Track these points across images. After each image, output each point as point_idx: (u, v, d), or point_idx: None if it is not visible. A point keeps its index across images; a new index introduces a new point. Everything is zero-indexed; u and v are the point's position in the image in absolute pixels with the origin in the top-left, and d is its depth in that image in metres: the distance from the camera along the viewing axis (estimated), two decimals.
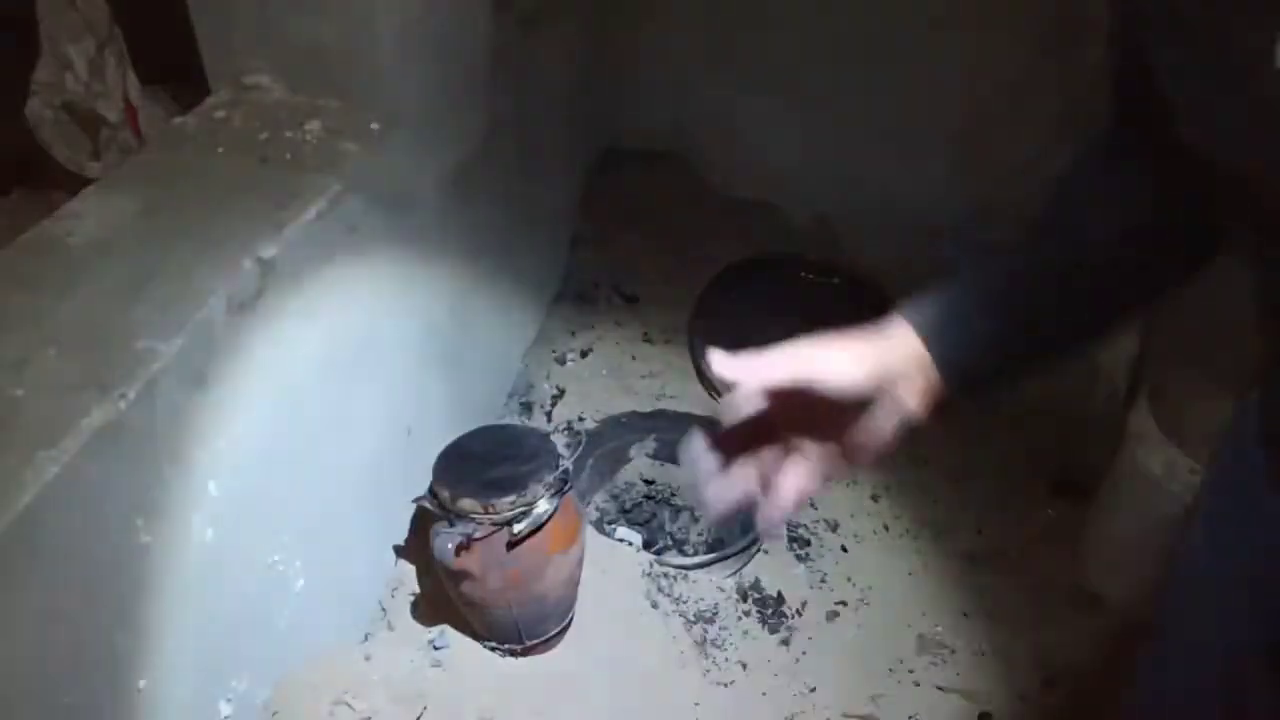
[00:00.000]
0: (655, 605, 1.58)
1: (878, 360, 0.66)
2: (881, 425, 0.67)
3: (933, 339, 0.68)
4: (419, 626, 1.49)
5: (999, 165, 2.00)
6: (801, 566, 1.73)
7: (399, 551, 1.56)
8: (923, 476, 1.91)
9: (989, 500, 1.88)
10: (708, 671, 1.52)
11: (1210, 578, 0.79)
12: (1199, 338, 1.68)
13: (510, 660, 1.46)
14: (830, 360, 0.65)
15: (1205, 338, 1.63)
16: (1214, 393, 1.62)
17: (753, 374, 0.65)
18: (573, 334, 2.16)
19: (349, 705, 1.31)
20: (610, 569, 1.60)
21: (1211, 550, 0.80)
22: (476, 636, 1.47)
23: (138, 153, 1.25)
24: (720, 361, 0.65)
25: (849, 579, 1.71)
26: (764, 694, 1.51)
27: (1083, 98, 1.17)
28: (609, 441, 1.87)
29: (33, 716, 0.85)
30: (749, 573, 1.69)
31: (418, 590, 1.53)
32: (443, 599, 1.47)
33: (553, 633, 1.47)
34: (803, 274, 2.25)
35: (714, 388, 2.04)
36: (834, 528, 1.80)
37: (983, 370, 0.70)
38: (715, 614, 1.60)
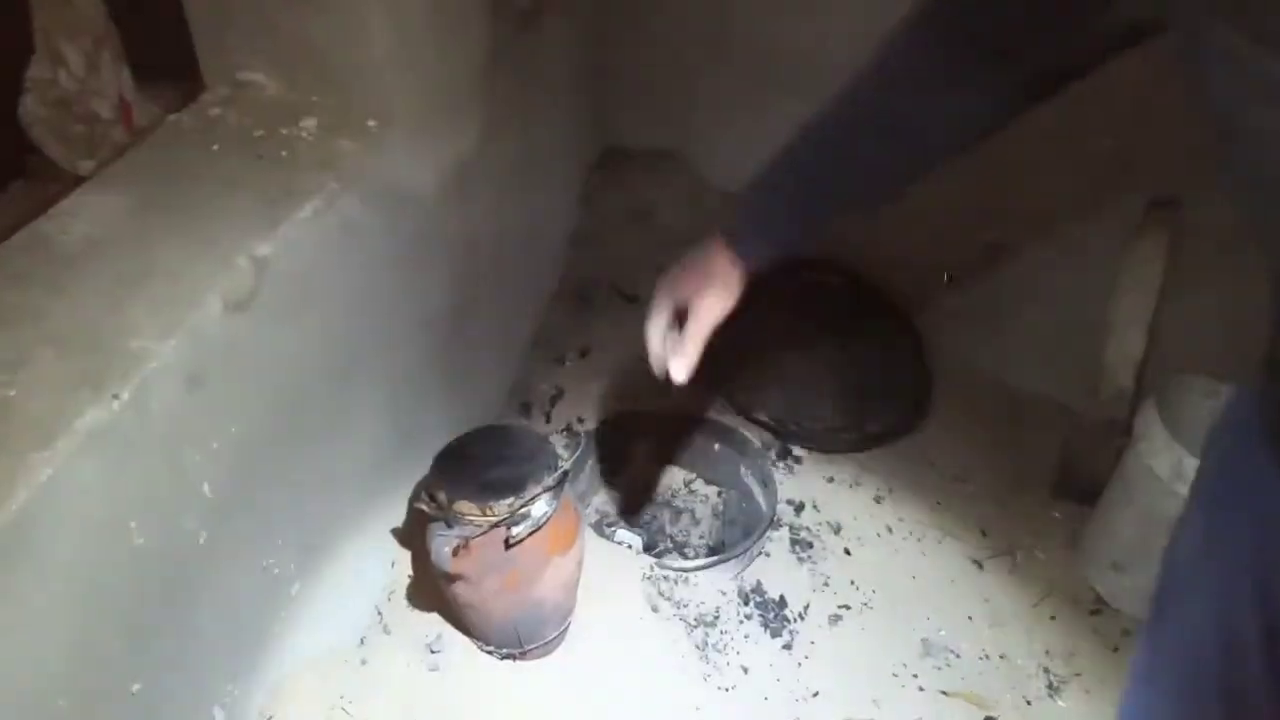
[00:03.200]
0: (656, 609, 1.56)
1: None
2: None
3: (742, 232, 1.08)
4: (416, 630, 1.48)
5: (1001, 163, 1.98)
6: (804, 569, 1.71)
7: (395, 554, 1.55)
8: (926, 479, 1.90)
9: (993, 502, 1.87)
10: (709, 676, 1.51)
11: (1207, 564, 0.79)
12: (1204, 338, 1.67)
13: (508, 665, 1.45)
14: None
15: (1211, 338, 1.63)
16: (1220, 393, 1.62)
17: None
18: (572, 334, 2.14)
19: (345, 710, 1.30)
20: (610, 572, 1.59)
21: (1209, 537, 0.80)
22: (474, 640, 1.46)
23: (132, 150, 1.24)
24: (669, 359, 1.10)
25: (852, 582, 1.70)
26: (766, 698, 1.50)
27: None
28: (609, 442, 1.86)
29: None
30: (750, 575, 1.68)
31: (414, 594, 1.52)
32: (440, 602, 1.46)
33: (551, 637, 1.46)
34: (803, 273, 2.24)
35: (714, 387, 2.03)
36: (837, 530, 1.79)
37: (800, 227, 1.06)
38: (716, 617, 1.59)
